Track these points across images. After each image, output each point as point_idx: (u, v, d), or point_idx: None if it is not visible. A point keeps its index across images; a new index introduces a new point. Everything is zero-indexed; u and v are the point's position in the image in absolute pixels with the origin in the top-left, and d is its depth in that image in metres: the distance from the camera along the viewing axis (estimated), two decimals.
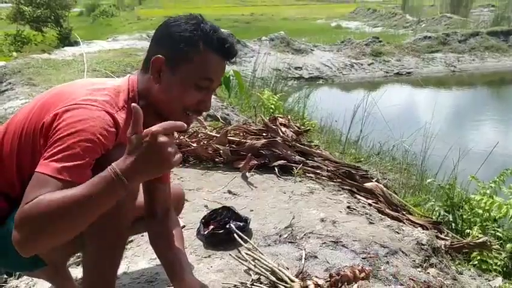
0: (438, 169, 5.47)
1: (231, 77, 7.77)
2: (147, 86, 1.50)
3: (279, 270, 1.97)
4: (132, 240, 2.47)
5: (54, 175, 1.24)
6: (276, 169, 3.07)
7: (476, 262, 2.94)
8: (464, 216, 3.79)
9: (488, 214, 3.62)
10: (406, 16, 24.07)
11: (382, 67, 14.46)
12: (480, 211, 3.53)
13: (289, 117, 3.51)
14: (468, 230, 3.31)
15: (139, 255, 2.30)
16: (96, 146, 1.31)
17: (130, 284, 2.03)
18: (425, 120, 7.17)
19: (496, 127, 9.74)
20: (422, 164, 6.15)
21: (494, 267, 2.94)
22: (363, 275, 1.82)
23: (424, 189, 5.33)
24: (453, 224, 3.79)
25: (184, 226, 2.51)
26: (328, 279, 1.81)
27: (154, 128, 1.20)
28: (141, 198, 1.86)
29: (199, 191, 2.88)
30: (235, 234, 2.22)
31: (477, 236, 3.01)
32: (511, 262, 3.26)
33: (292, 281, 1.94)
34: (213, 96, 4.72)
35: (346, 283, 1.79)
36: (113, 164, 1.21)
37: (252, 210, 2.61)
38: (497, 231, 3.56)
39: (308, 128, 3.52)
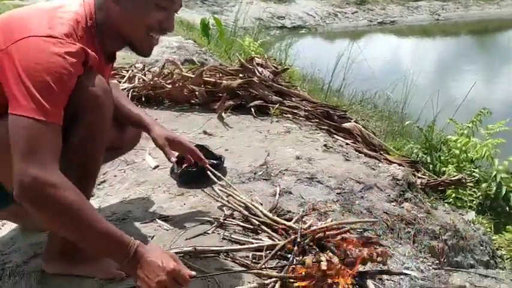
0: (419, 115, 5.48)
1: (211, 26, 7.56)
2: (105, 9, 1.43)
3: (252, 205, 1.95)
4: (104, 181, 2.43)
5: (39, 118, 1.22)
6: (253, 110, 3.01)
7: (451, 200, 2.97)
8: (442, 158, 3.82)
9: (465, 155, 3.65)
10: None
11: (366, 16, 14.26)
12: (457, 151, 3.55)
13: (266, 56, 3.41)
14: (444, 169, 3.34)
15: (111, 195, 2.26)
16: (65, 82, 1.27)
17: None
18: (408, 68, 7.12)
19: (477, 75, 9.75)
20: (402, 110, 6.17)
21: (469, 204, 2.98)
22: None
23: (405, 134, 5.35)
24: (431, 166, 3.82)
25: (157, 166, 2.47)
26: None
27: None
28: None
29: (174, 132, 2.82)
30: (208, 172, 2.18)
31: (453, 174, 3.03)
32: (486, 201, 3.32)
33: (266, 215, 1.93)
34: (191, 42, 4.56)
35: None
36: (140, 245, 1.31)
37: (227, 150, 2.57)
38: (474, 171, 3.60)
39: (285, 67, 3.43)
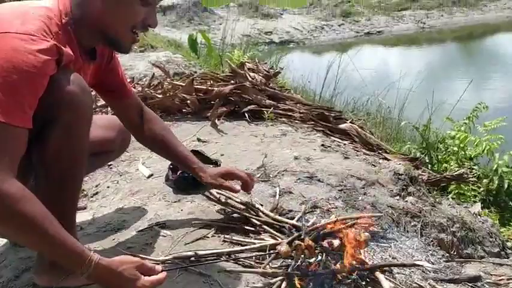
0: (413, 119, 5.44)
1: (200, 44, 7.53)
2: (85, 5, 1.37)
3: (252, 205, 1.88)
4: (97, 193, 2.34)
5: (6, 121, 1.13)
6: (247, 115, 2.95)
7: (454, 196, 2.91)
8: (439, 157, 3.76)
9: (463, 152, 3.60)
10: None
11: (352, 27, 14.37)
12: (455, 148, 3.50)
13: (257, 61, 3.37)
14: (445, 165, 3.28)
15: (105, 206, 2.17)
16: (35, 82, 1.19)
17: (96, 233, 1.90)
18: (398, 76, 7.12)
19: (467, 80, 9.76)
20: (399, 116, 6.12)
21: (472, 200, 2.92)
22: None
23: (400, 139, 5.31)
24: (429, 165, 3.76)
25: (152, 175, 2.39)
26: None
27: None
28: (94, 133, 1.74)
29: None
30: None
31: (454, 170, 2.97)
32: (488, 196, 3.26)
33: (267, 215, 1.85)
34: (180, 56, 4.52)
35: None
36: (98, 256, 1.23)
37: (223, 155, 2.50)
38: (473, 168, 3.54)
39: (277, 71, 3.38)
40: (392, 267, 1.58)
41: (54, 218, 1.19)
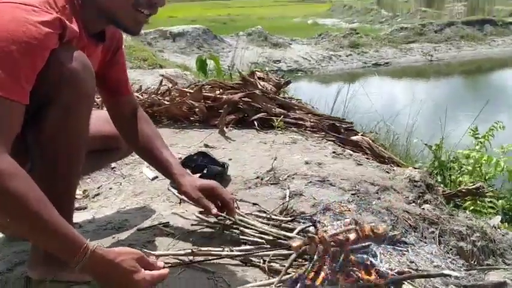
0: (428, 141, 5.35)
1: (208, 70, 7.55)
2: None
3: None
4: (99, 194, 2.25)
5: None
6: (256, 123, 2.87)
7: (469, 213, 2.78)
8: (453, 177, 3.65)
9: (478, 170, 3.49)
10: (382, 11, 24.20)
11: (360, 58, 14.45)
12: (470, 167, 3.39)
13: (267, 70, 3.31)
14: (460, 179, 3.16)
15: (106, 206, 2.09)
16: (35, 55, 1.12)
17: (96, 230, 1.81)
18: (407, 105, 7.07)
19: (475, 112, 9.67)
20: (407, 139, 6.03)
21: (489, 216, 2.79)
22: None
23: (410, 163, 5.21)
24: (442, 185, 3.65)
25: (156, 177, 2.30)
26: None
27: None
28: (101, 128, 1.67)
29: (173, 147, 2.66)
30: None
31: (470, 184, 2.85)
32: (505, 216, 3.14)
33: (277, 215, 1.75)
34: (189, 73, 4.46)
35: None
36: (96, 246, 1.12)
37: (231, 159, 2.41)
38: (488, 190, 3.42)
39: (288, 80, 3.32)
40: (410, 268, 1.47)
41: (48, 201, 1.09)
